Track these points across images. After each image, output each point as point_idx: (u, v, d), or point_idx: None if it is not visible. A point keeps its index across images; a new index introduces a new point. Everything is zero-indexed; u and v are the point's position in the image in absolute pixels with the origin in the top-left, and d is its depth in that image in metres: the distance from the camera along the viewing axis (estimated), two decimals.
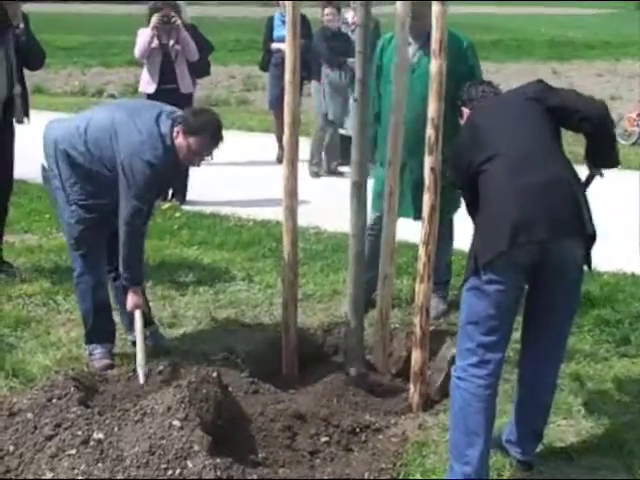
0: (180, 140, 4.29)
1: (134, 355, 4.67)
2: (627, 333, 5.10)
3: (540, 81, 3.63)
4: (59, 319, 5.16)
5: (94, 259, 4.61)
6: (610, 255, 6.38)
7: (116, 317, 4.88)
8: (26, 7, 5.89)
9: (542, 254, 3.27)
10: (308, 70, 9.38)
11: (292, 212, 4.57)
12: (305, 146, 9.70)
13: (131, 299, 4.46)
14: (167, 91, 7.42)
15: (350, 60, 8.89)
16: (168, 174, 4.43)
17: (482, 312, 3.31)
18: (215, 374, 3.80)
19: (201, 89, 12.82)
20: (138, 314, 4.48)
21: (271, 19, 10.00)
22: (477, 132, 3.50)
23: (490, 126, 3.49)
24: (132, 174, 4.23)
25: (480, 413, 3.34)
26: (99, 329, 4.69)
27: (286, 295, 4.67)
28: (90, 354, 4.69)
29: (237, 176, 9.46)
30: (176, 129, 4.29)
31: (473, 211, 3.58)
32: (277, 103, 8.61)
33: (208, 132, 4.29)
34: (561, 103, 3.49)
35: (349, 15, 9.63)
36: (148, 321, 4.83)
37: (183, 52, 7.79)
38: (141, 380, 4.29)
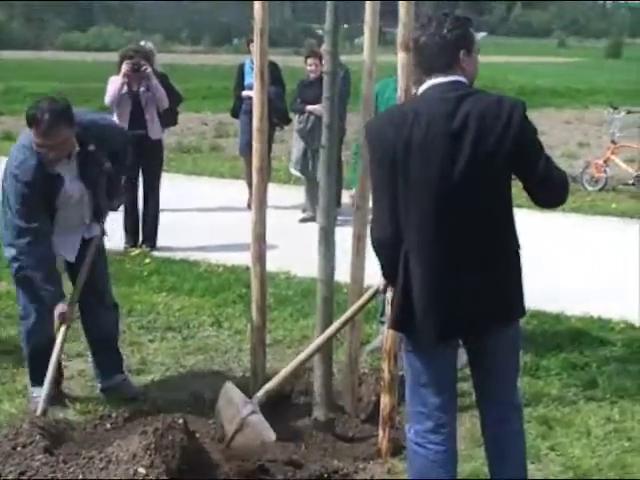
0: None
1: (101, 401, 4.64)
2: (594, 376, 5.13)
3: None
4: (25, 366, 5.12)
5: (37, 300, 4.58)
6: (577, 299, 6.46)
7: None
8: None
9: None
10: (280, 117, 9.51)
11: (260, 257, 4.60)
12: (274, 192, 9.81)
13: (56, 311, 4.46)
14: (136, 137, 7.45)
15: (309, 107, 9.08)
16: (37, 181, 4.33)
17: (429, 373, 3.30)
18: (181, 421, 3.79)
19: (172, 135, 12.88)
20: (62, 330, 4.48)
21: (241, 66, 10.10)
22: None
23: None
24: (7, 193, 4.36)
25: (441, 475, 3.34)
26: (36, 372, 4.65)
27: (254, 340, 4.67)
28: (30, 396, 4.66)
29: (207, 222, 9.47)
30: None
31: None
32: (247, 149, 8.66)
33: (28, 123, 4.27)
34: None
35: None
36: (118, 369, 4.83)
37: (153, 99, 7.88)
38: (38, 410, 4.28)
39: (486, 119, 3.06)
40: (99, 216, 4.74)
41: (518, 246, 3.27)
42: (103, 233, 4.81)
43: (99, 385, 4.85)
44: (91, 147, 4.51)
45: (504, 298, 3.23)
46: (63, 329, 4.50)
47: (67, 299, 4.53)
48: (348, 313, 4.18)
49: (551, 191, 3.23)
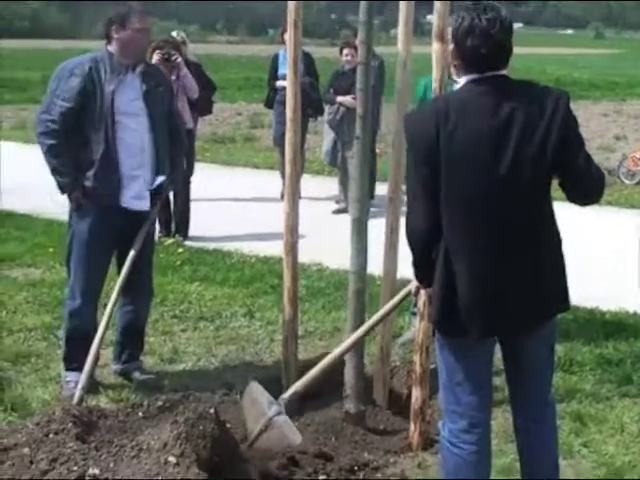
0: None
1: (134, 390, 4.67)
2: (629, 373, 5.07)
3: None
4: (59, 353, 5.15)
5: (88, 281, 4.64)
6: (612, 294, 6.39)
7: None
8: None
9: None
10: (315, 107, 9.50)
11: (292, 248, 4.59)
12: (308, 183, 9.81)
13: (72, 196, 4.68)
14: None
15: (339, 98, 9.06)
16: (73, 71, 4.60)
17: (464, 371, 3.25)
18: (213, 411, 3.78)
19: (207, 125, 12.92)
20: (104, 319, 4.54)
21: (276, 57, 10.11)
22: None
23: None
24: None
25: (475, 475, 3.30)
26: (72, 356, 4.70)
27: (286, 332, 4.67)
28: (64, 381, 4.71)
29: (241, 212, 9.50)
30: None
31: None
32: (281, 140, 8.65)
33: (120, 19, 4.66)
34: None
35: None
36: (138, 355, 4.88)
37: (184, 89, 7.91)
38: (75, 399, 4.34)
39: (532, 111, 3.01)
40: (164, 168, 4.80)
41: (560, 240, 3.22)
42: (171, 182, 4.93)
43: (116, 367, 4.92)
44: (160, 88, 4.78)
45: (548, 294, 3.18)
46: (106, 318, 4.53)
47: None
48: (381, 312, 4.15)
49: (588, 187, 3.17)
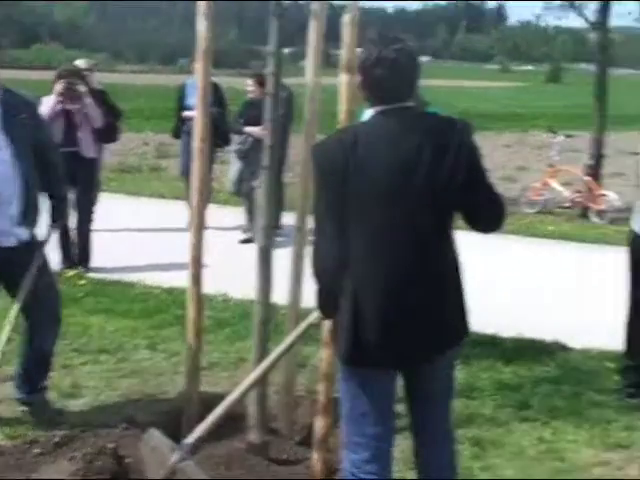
0: None
1: (31, 425, 4.56)
2: (528, 397, 5.19)
3: None
4: None
5: None
6: (511, 321, 6.53)
7: None
8: None
9: None
10: (223, 138, 9.51)
11: (197, 279, 4.56)
12: (215, 213, 9.77)
13: None
14: (68, 154, 7.34)
15: (247, 129, 9.10)
16: None
17: (367, 403, 3.26)
18: (112, 446, 3.73)
19: (113, 155, 12.77)
20: None
21: (183, 87, 10.09)
22: None
23: None
24: None
25: None
26: None
27: (189, 363, 4.62)
28: None
29: (146, 243, 9.40)
30: None
31: None
32: (188, 170, 8.63)
33: None
34: None
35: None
36: (45, 387, 4.77)
37: (87, 118, 7.84)
38: None
39: (438, 142, 3.05)
40: (32, 216, 4.60)
41: (461, 270, 3.26)
42: (41, 241, 4.72)
43: (20, 396, 4.78)
44: (24, 116, 4.50)
45: (450, 324, 3.22)
46: None
47: None
48: (283, 345, 4.12)
49: (490, 215, 3.23)
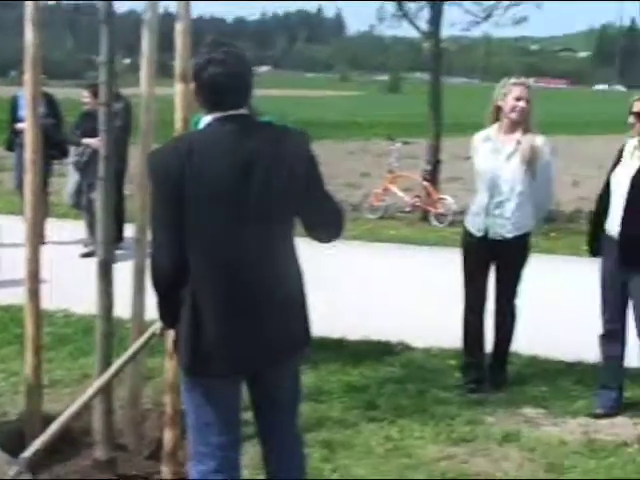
0: None
1: None
2: (374, 398, 5.30)
3: None
4: None
5: None
6: (358, 323, 6.65)
7: None
8: None
9: None
10: (59, 149, 9.26)
11: (35, 295, 4.41)
12: (55, 227, 9.51)
13: None
14: None
15: (85, 140, 8.90)
16: None
17: (212, 412, 3.24)
18: None
19: None
20: None
21: (15, 99, 9.77)
22: None
23: None
24: None
25: None
26: None
27: (29, 382, 4.46)
28: None
29: None
30: None
31: None
32: (23, 183, 8.35)
33: None
34: None
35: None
36: None
37: None
38: None
39: (275, 150, 3.06)
40: None
41: (302, 276, 3.28)
42: None
43: None
44: None
45: (293, 331, 3.23)
46: None
47: None
48: (126, 355, 4.05)
49: (328, 224, 3.26)
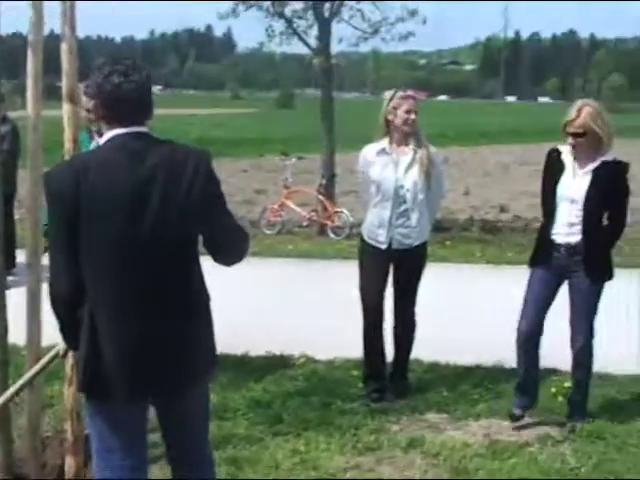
0: None
1: None
2: (279, 412, 5.30)
3: None
4: None
5: None
6: (261, 338, 6.64)
7: None
8: None
9: None
10: None
11: None
12: None
13: None
14: None
15: None
16: None
17: (116, 437, 3.18)
18: None
19: None
20: None
21: None
22: None
23: None
24: None
25: None
26: None
27: None
28: None
29: None
30: None
31: None
32: None
33: None
34: None
35: None
36: None
37: None
38: None
39: (174, 170, 3.00)
40: None
41: (208, 298, 3.23)
42: None
43: None
44: None
45: (198, 355, 3.17)
46: None
47: None
48: (23, 378, 3.96)
49: (231, 245, 3.21)
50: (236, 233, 3.21)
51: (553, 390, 5.70)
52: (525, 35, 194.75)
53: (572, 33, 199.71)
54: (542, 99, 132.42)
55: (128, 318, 3.05)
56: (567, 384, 5.48)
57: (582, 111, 4.83)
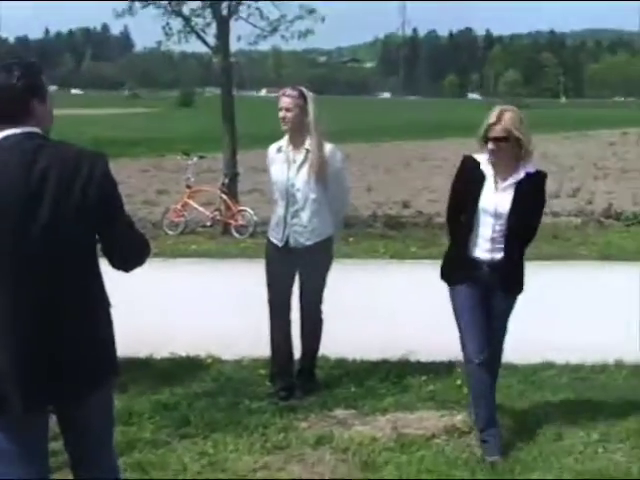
0: None
1: None
2: (186, 414, 5.22)
3: None
4: None
5: None
6: (166, 341, 6.54)
7: None
8: None
9: None
10: None
11: None
12: None
13: None
14: None
15: None
16: None
17: (14, 449, 3.06)
18: None
19: None
20: None
21: None
22: None
23: None
24: None
25: None
26: None
27: None
28: None
29: None
30: None
31: None
32: None
33: None
34: None
35: None
36: None
37: None
38: None
39: (66, 172, 2.91)
40: None
41: (108, 304, 3.15)
42: None
43: None
44: None
45: (96, 360, 3.08)
46: None
47: None
48: None
49: (129, 250, 3.13)
50: (135, 238, 3.14)
51: (458, 382, 5.78)
52: (422, 32, 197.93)
53: (468, 30, 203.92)
54: (472, 95, 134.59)
55: (20, 327, 2.94)
56: None
57: (503, 115, 4.53)
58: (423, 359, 6.30)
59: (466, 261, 4.75)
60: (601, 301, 7.69)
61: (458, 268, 4.80)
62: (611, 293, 8.12)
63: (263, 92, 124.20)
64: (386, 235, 12.32)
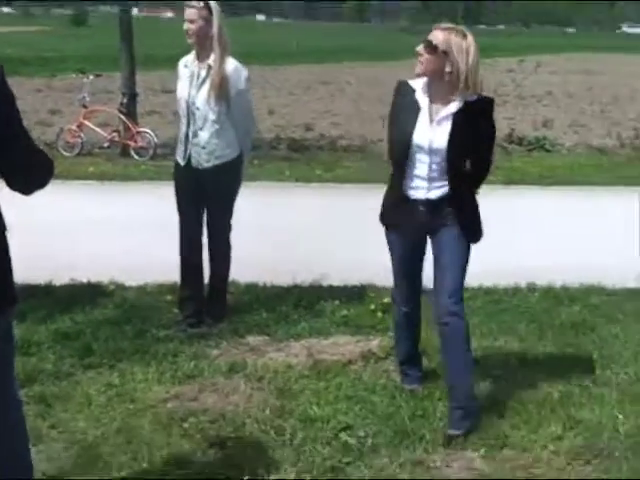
0: None
1: None
2: (89, 343, 4.96)
3: None
4: None
5: None
6: (66, 266, 6.22)
7: None
8: None
9: None
10: None
11: None
12: None
13: None
14: None
15: None
16: None
17: None
18: None
19: None
20: None
21: None
22: None
23: None
24: None
25: None
26: None
27: None
28: None
29: None
30: None
31: None
32: None
33: None
34: None
35: None
36: None
37: None
38: None
39: None
40: None
41: (4, 227, 2.84)
42: None
43: None
44: None
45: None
46: None
47: None
48: None
49: (34, 170, 2.82)
50: (38, 157, 2.83)
51: (372, 307, 5.66)
52: None
53: None
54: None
55: None
56: (386, 300, 5.40)
57: (435, 30, 3.97)
58: (335, 283, 6.15)
59: (400, 201, 4.21)
60: (511, 226, 7.65)
61: (392, 211, 4.28)
62: (520, 218, 8.12)
63: (169, 14, 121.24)
64: (290, 158, 12.10)
